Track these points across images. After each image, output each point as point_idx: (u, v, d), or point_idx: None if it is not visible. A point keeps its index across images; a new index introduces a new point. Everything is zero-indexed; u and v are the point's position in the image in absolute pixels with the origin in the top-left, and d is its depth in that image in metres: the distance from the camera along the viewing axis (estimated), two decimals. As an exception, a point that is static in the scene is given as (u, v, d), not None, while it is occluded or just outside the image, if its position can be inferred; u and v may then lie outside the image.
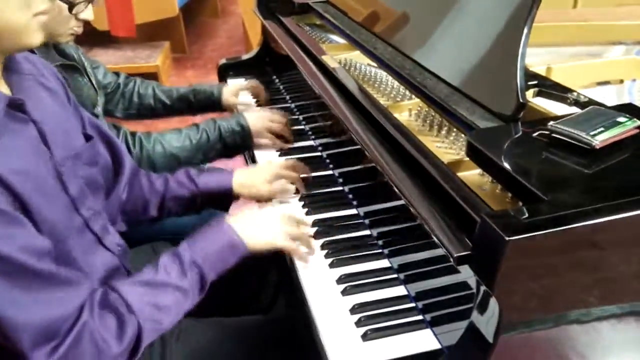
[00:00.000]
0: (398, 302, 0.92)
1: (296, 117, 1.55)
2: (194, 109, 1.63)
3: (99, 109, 1.37)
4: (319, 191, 1.22)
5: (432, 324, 0.87)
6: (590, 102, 0.91)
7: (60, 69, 1.22)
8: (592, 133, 0.74)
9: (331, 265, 1.00)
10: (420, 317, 0.88)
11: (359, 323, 0.88)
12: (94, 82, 1.38)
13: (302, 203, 1.19)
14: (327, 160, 1.34)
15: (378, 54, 1.22)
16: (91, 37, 3.43)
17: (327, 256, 1.03)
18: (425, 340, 0.84)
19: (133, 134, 1.34)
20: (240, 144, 1.40)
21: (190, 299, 0.88)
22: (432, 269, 0.87)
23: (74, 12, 1.15)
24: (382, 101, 1.19)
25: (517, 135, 0.82)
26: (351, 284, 0.95)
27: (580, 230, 0.62)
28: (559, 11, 1.65)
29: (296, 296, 0.98)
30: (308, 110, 1.51)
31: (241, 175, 1.17)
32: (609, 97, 1.22)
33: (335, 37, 1.59)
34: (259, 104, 1.68)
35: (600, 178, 0.70)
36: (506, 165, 0.72)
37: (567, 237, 0.62)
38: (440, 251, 0.75)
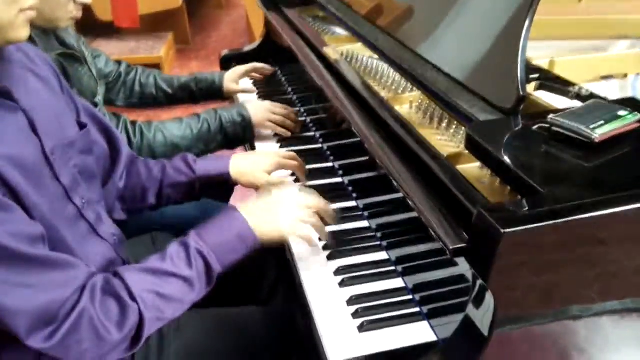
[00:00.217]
0: (395, 294, 0.92)
1: (297, 108, 1.55)
2: (196, 97, 1.63)
3: (99, 98, 1.37)
4: (319, 183, 1.22)
5: (429, 316, 0.87)
6: (592, 95, 0.91)
7: (60, 58, 1.23)
8: (591, 126, 0.74)
9: (329, 257, 1.00)
10: (417, 310, 0.88)
11: (355, 314, 0.88)
12: (94, 71, 1.38)
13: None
14: (328, 152, 1.33)
15: (379, 46, 1.21)
16: (94, 28, 3.43)
17: (325, 248, 1.02)
18: (422, 332, 0.84)
19: (133, 123, 1.33)
20: (241, 135, 1.39)
21: (197, 291, 0.87)
22: (430, 262, 0.87)
23: None
24: (384, 94, 1.18)
25: (516, 128, 0.81)
26: (349, 275, 0.95)
27: (576, 224, 0.61)
28: (564, 5, 1.63)
29: (294, 287, 0.98)
30: (309, 102, 1.51)
31: (239, 162, 1.15)
32: (613, 91, 1.21)
33: (338, 29, 1.59)
34: (261, 94, 1.68)
35: (599, 172, 0.70)
36: (503, 157, 0.72)
37: (563, 231, 0.62)
38: (438, 244, 0.75)
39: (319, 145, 1.38)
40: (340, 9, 1.51)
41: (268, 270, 1.31)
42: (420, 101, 1.13)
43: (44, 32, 1.20)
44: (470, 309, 0.69)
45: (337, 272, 0.97)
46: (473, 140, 0.78)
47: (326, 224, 1.00)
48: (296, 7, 1.71)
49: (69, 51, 1.27)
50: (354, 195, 1.17)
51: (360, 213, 1.11)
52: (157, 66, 3.43)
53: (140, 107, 1.63)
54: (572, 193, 0.65)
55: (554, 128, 0.77)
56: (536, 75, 1.01)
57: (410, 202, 0.83)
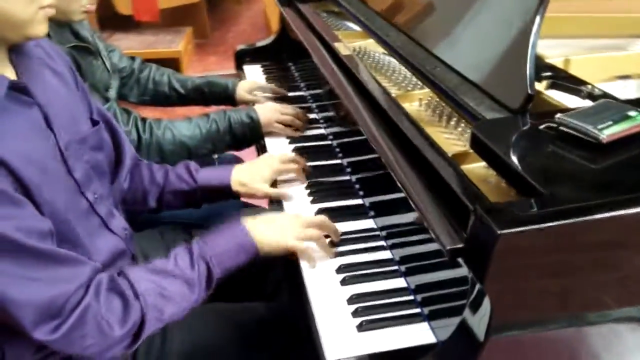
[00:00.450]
0: (397, 294, 0.90)
1: (309, 104, 1.54)
2: (208, 100, 1.64)
3: (112, 92, 1.38)
4: (326, 179, 1.21)
5: (430, 317, 0.85)
6: (605, 95, 0.88)
7: (74, 51, 1.24)
8: (599, 127, 0.72)
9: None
10: (417, 310, 0.87)
11: (355, 313, 0.87)
12: (107, 65, 1.39)
13: (308, 191, 1.18)
14: (337, 149, 1.33)
15: (390, 42, 1.20)
16: (113, 21, 3.45)
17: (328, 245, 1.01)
18: (421, 333, 0.83)
19: (144, 120, 1.34)
20: (249, 136, 1.39)
21: (196, 294, 0.89)
22: (433, 263, 0.86)
23: None
24: (394, 90, 1.17)
25: (523, 127, 0.80)
26: (351, 274, 0.94)
27: (577, 227, 0.60)
28: (596, 3, 1.59)
29: (296, 284, 0.98)
30: (321, 99, 1.50)
31: (239, 174, 1.16)
32: (629, 91, 1.18)
33: (352, 25, 1.58)
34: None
35: (604, 173, 0.68)
36: (507, 157, 0.70)
37: (562, 233, 0.60)
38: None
39: (329, 142, 1.37)
40: (354, 4, 1.50)
41: (274, 266, 1.31)
42: (429, 99, 1.11)
43: (58, 24, 1.21)
44: (467, 313, 0.67)
45: (339, 270, 0.96)
46: (478, 139, 0.76)
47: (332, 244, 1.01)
48: (311, 2, 1.70)
49: (82, 44, 1.28)
50: (361, 193, 1.16)
51: (366, 211, 1.10)
52: (175, 60, 3.45)
53: (152, 104, 1.64)
54: (575, 195, 0.63)
55: (561, 128, 0.75)
56: (548, 74, 0.98)
57: (410, 201, 0.82)
